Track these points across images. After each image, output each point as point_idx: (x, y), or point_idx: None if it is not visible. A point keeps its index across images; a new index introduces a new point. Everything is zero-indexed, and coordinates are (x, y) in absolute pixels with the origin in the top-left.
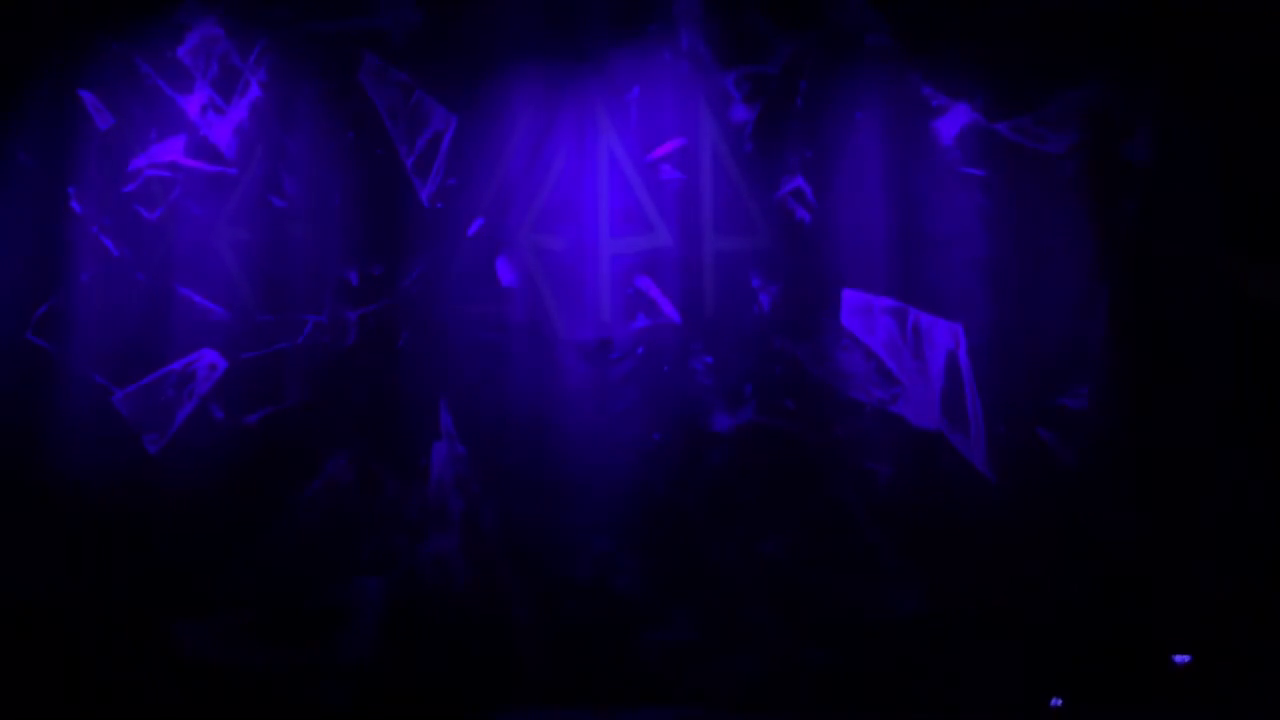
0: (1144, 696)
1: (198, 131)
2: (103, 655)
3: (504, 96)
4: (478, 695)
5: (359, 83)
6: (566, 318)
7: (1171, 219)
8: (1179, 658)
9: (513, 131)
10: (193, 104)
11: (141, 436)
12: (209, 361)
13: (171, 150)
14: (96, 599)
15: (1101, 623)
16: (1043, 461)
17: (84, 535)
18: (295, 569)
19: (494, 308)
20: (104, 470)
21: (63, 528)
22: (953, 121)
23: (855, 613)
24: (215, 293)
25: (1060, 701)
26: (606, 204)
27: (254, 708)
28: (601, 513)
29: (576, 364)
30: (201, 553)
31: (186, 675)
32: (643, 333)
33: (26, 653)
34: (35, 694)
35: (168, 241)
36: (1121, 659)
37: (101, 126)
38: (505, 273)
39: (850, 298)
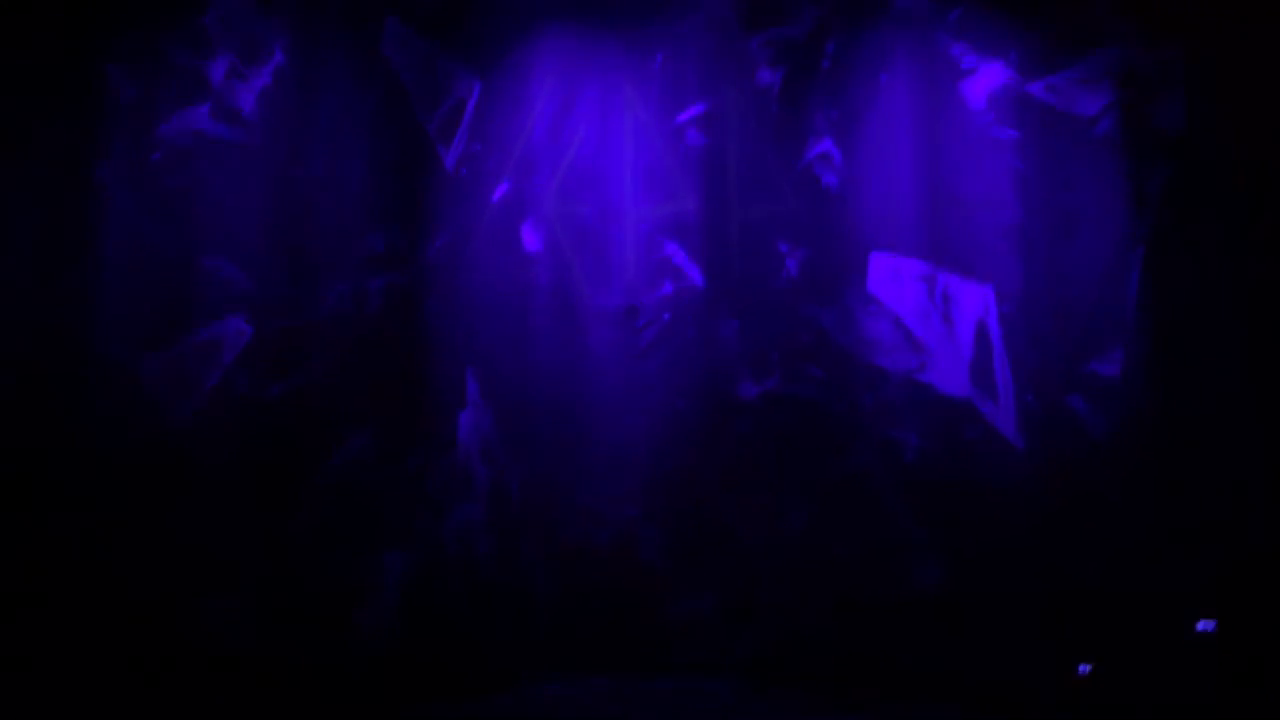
0: (1169, 667)
1: (221, 99)
2: (126, 625)
3: (528, 62)
4: (501, 665)
5: (382, 49)
6: (592, 284)
7: (1204, 181)
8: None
9: (537, 97)
10: (216, 71)
11: (167, 406)
12: (235, 329)
13: (195, 118)
14: (120, 570)
15: (1128, 594)
16: (1073, 430)
17: (109, 506)
18: (319, 540)
19: (519, 274)
20: (129, 441)
21: (88, 499)
22: (983, 82)
23: (879, 583)
24: (239, 261)
25: (1088, 668)
26: (631, 169)
27: (277, 678)
28: (626, 481)
29: (602, 330)
30: (226, 522)
31: (210, 644)
32: (668, 298)
33: (49, 627)
34: (57, 669)
35: (192, 210)
36: (1147, 630)
37: (125, 97)
38: (530, 239)
39: (878, 262)
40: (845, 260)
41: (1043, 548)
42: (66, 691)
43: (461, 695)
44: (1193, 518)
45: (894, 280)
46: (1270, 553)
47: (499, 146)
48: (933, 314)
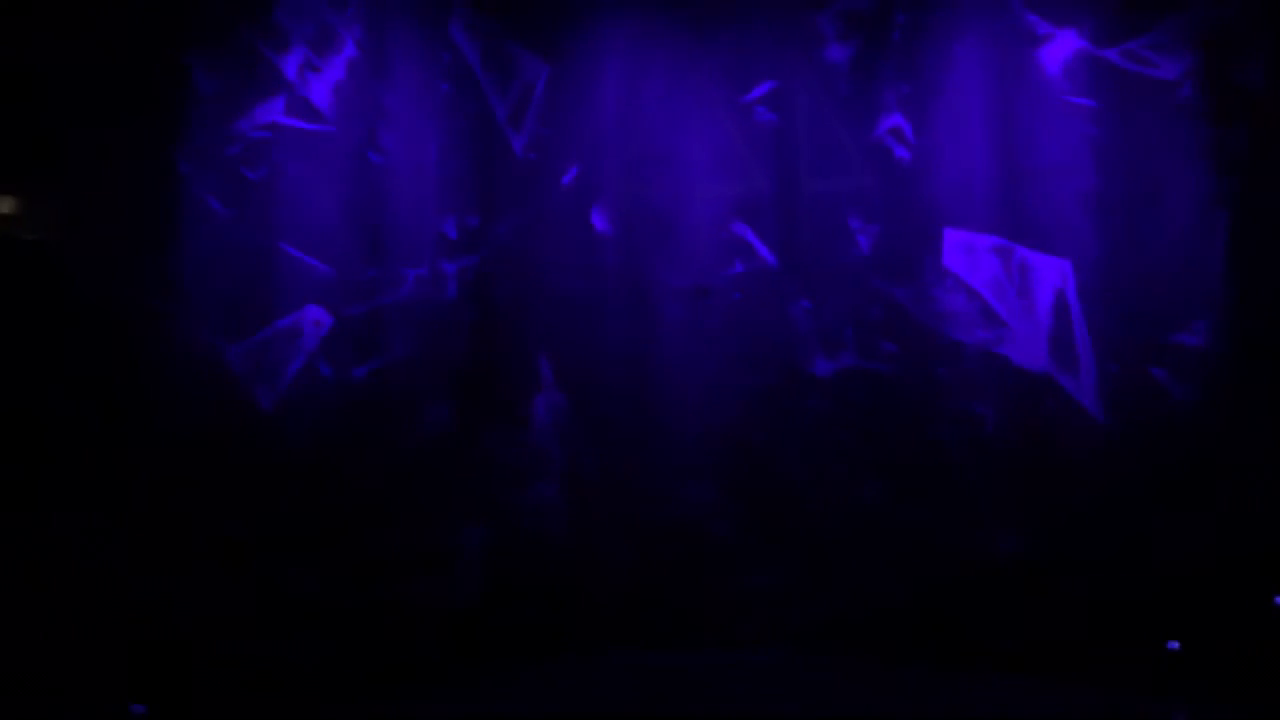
0: (1260, 642)
1: (296, 91)
2: (210, 603)
3: (595, 44)
4: (577, 639)
5: (451, 35)
6: (663, 264)
7: None
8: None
9: (604, 79)
10: (290, 64)
11: (254, 392)
12: (314, 317)
13: (272, 111)
14: (213, 553)
15: (1216, 569)
16: (1157, 402)
17: (199, 493)
18: (402, 516)
19: (590, 256)
20: (217, 427)
21: (177, 486)
22: (1058, 50)
23: (956, 558)
24: (318, 249)
25: (1178, 644)
26: (701, 149)
27: (359, 649)
28: (700, 459)
29: (674, 311)
30: (314, 504)
31: (297, 619)
32: (740, 278)
33: (139, 608)
34: (145, 641)
35: (271, 200)
36: (1237, 605)
37: (205, 90)
38: (600, 221)
39: (952, 237)
40: (919, 235)
41: (1125, 521)
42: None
43: (538, 664)
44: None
45: (969, 254)
46: None
47: (568, 129)
48: (1009, 287)
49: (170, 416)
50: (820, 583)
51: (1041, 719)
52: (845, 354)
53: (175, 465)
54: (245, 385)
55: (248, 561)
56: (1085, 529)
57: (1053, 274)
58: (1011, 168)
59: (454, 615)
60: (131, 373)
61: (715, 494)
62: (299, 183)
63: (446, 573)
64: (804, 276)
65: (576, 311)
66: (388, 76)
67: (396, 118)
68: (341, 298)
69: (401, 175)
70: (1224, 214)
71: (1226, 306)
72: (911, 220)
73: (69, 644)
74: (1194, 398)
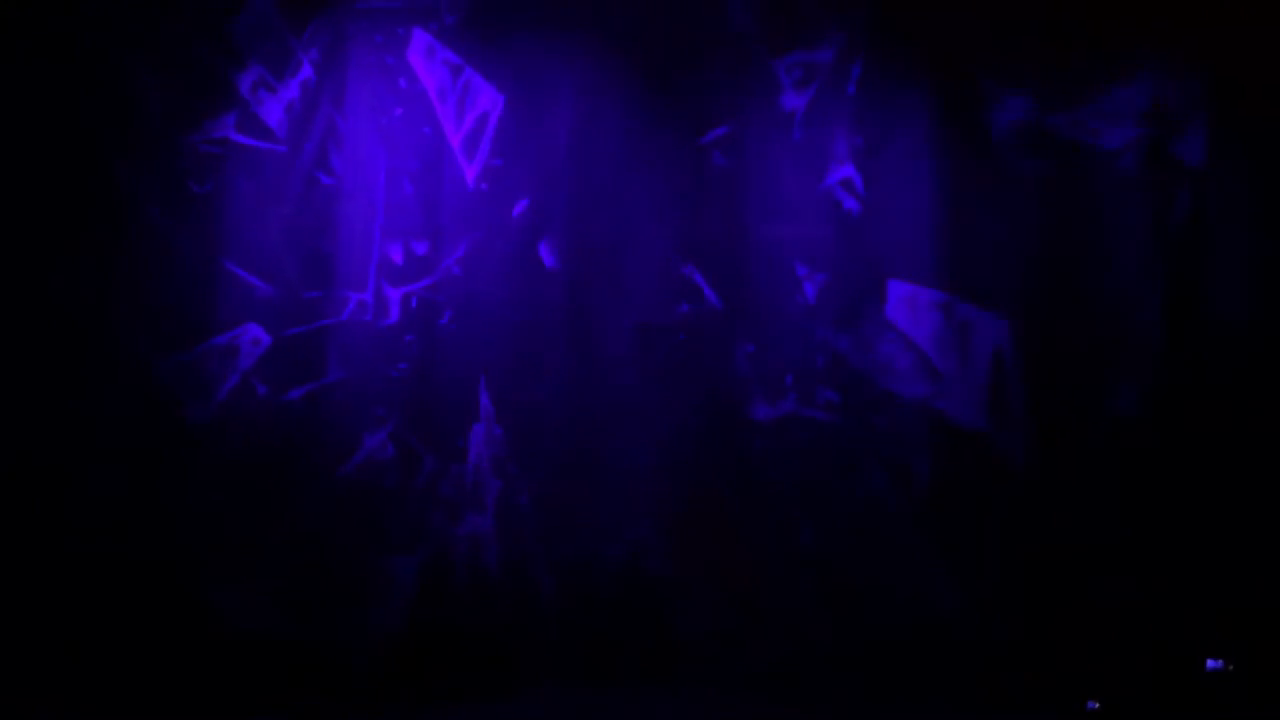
0: (1182, 707)
1: (249, 108)
2: (138, 624)
3: (552, 79)
4: (508, 674)
5: (408, 61)
6: (609, 302)
7: (1226, 217)
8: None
9: (559, 114)
10: (245, 81)
11: (184, 408)
12: (252, 336)
13: (223, 126)
14: (134, 569)
15: (1140, 633)
16: (1088, 465)
17: (124, 506)
18: (331, 543)
19: (536, 290)
20: (145, 442)
21: (102, 498)
22: (1006, 114)
23: (889, 607)
24: (260, 268)
25: (1095, 705)
26: (652, 189)
27: (285, 677)
28: (638, 498)
29: (617, 348)
30: (240, 525)
31: (220, 645)
32: (685, 318)
33: (61, 621)
34: (69, 662)
35: (216, 215)
36: (1157, 669)
37: (152, 100)
38: (548, 255)
39: (896, 289)
40: (863, 286)
41: (1057, 578)
42: (84, 680)
43: (468, 701)
44: (1208, 560)
45: (911, 308)
46: None
47: (520, 162)
48: (949, 343)
49: (97, 428)
50: (756, 626)
51: None
52: (786, 400)
53: (100, 479)
54: (176, 400)
55: (171, 583)
56: (1016, 585)
57: (992, 332)
58: (957, 225)
59: (384, 647)
60: (60, 382)
61: (652, 533)
62: (246, 199)
63: (376, 603)
64: (749, 321)
65: (520, 344)
66: (342, 99)
67: (349, 140)
68: (282, 317)
69: (350, 199)
70: (1160, 284)
71: (1159, 374)
72: (857, 271)
73: None
74: (1126, 462)
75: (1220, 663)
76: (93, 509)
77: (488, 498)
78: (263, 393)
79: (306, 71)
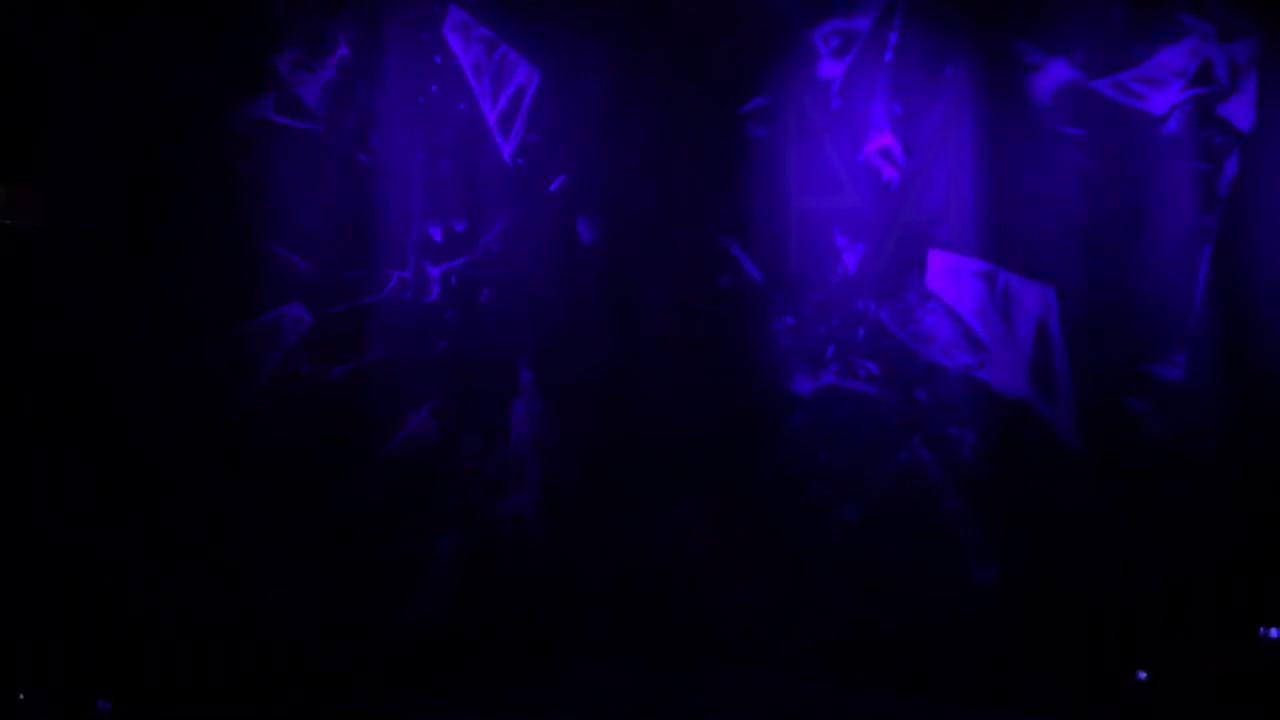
0: (1225, 674)
1: (287, 89)
2: (184, 601)
3: (588, 52)
4: (549, 652)
5: (444, 38)
6: (647, 277)
7: (1273, 180)
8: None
9: (596, 88)
10: (283, 62)
11: (229, 388)
12: (295, 316)
13: (262, 107)
14: (181, 547)
15: (1185, 600)
16: (1133, 433)
17: (172, 485)
18: (376, 521)
19: (574, 266)
20: (193, 421)
21: (152, 477)
22: (1049, 78)
23: (931, 581)
24: (302, 247)
25: (1145, 675)
26: (690, 162)
27: (329, 656)
28: (679, 475)
29: (657, 324)
30: (285, 503)
31: (266, 623)
32: (724, 292)
33: (107, 598)
34: (114, 639)
35: (257, 196)
36: (1202, 638)
37: (192, 83)
38: (586, 231)
39: (937, 259)
40: (904, 256)
41: (1101, 549)
42: (128, 659)
43: (511, 680)
44: (1253, 524)
45: (953, 277)
46: None
47: (557, 137)
48: (992, 312)
49: (145, 410)
50: (798, 605)
51: None
52: (827, 373)
53: (148, 461)
54: (222, 381)
55: (216, 563)
56: (1059, 557)
57: (1036, 301)
58: (999, 193)
59: (427, 627)
60: (108, 365)
61: (693, 510)
62: (285, 180)
63: (420, 582)
64: (789, 293)
65: (559, 321)
66: (379, 78)
67: (386, 119)
68: (323, 296)
69: (389, 177)
70: (1206, 248)
71: (1204, 340)
72: (898, 241)
73: (36, 638)
74: (1170, 429)
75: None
76: (141, 490)
77: (530, 476)
78: (306, 371)
79: (343, 51)
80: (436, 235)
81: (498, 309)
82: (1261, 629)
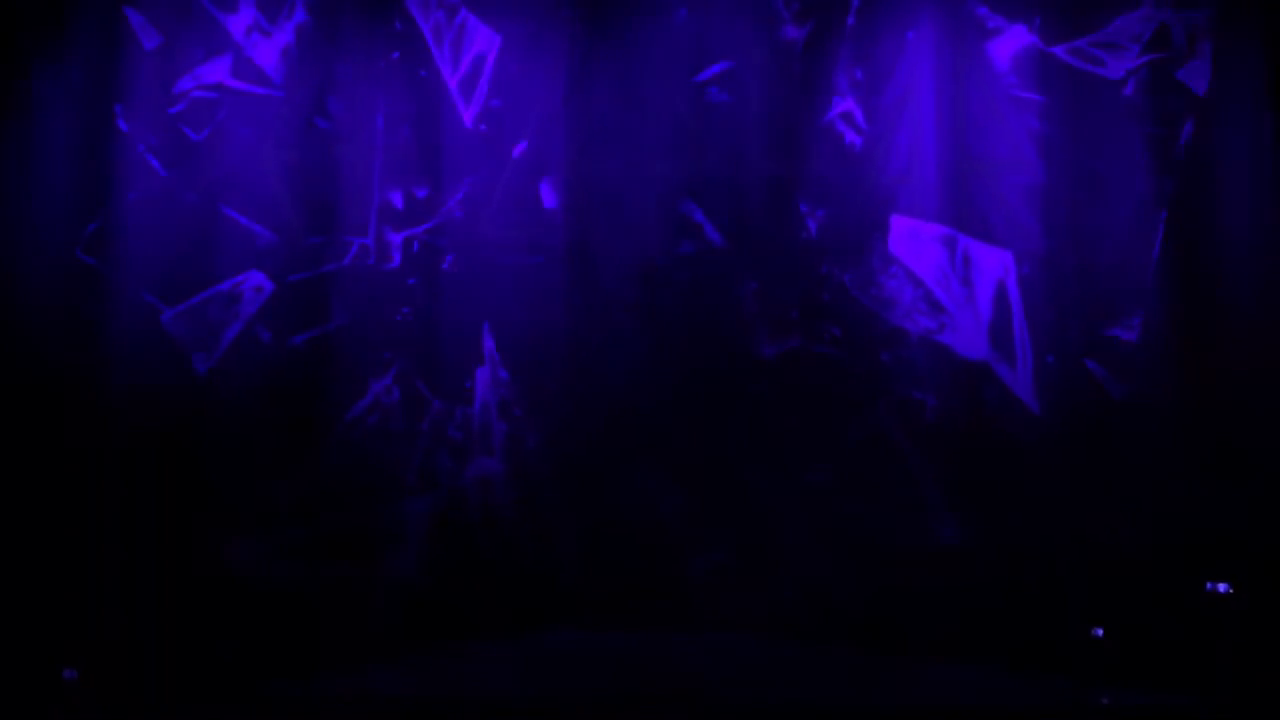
0: (1182, 632)
1: (243, 53)
2: (151, 571)
3: (549, 18)
4: (520, 616)
5: (403, 3)
6: (611, 242)
7: (1228, 145)
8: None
9: (557, 53)
10: (238, 25)
11: (190, 356)
12: (255, 283)
13: (218, 71)
14: (146, 516)
15: (1144, 558)
16: (1091, 394)
17: (133, 453)
18: (342, 488)
19: (538, 231)
20: (153, 389)
21: (112, 445)
22: (1008, 44)
23: (895, 542)
24: (261, 214)
25: (1102, 632)
26: (652, 127)
27: (300, 623)
28: (644, 438)
29: (620, 289)
30: (249, 471)
31: (234, 591)
32: (688, 258)
33: (76, 569)
34: (84, 610)
35: (214, 162)
36: (1161, 595)
37: (147, 45)
38: (549, 196)
39: (899, 224)
40: (866, 220)
41: (1060, 508)
42: (97, 633)
43: (481, 641)
44: (1209, 483)
45: (914, 241)
46: None
47: (519, 103)
48: (952, 276)
49: (104, 378)
50: (764, 566)
51: (976, 704)
52: (791, 337)
53: (107, 428)
54: (182, 349)
55: (183, 532)
56: (1020, 517)
57: (995, 264)
58: (959, 158)
59: (399, 591)
60: (65, 332)
61: (659, 474)
62: (243, 146)
63: (389, 547)
64: (752, 258)
65: (523, 286)
66: (338, 43)
67: (345, 85)
68: (284, 264)
69: (348, 143)
70: (1162, 212)
71: (1161, 302)
72: (860, 205)
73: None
74: (1128, 390)
75: (1225, 585)
76: (104, 460)
77: (495, 440)
78: (267, 339)
79: (301, 15)
80: (398, 202)
81: (461, 275)
82: (1208, 584)
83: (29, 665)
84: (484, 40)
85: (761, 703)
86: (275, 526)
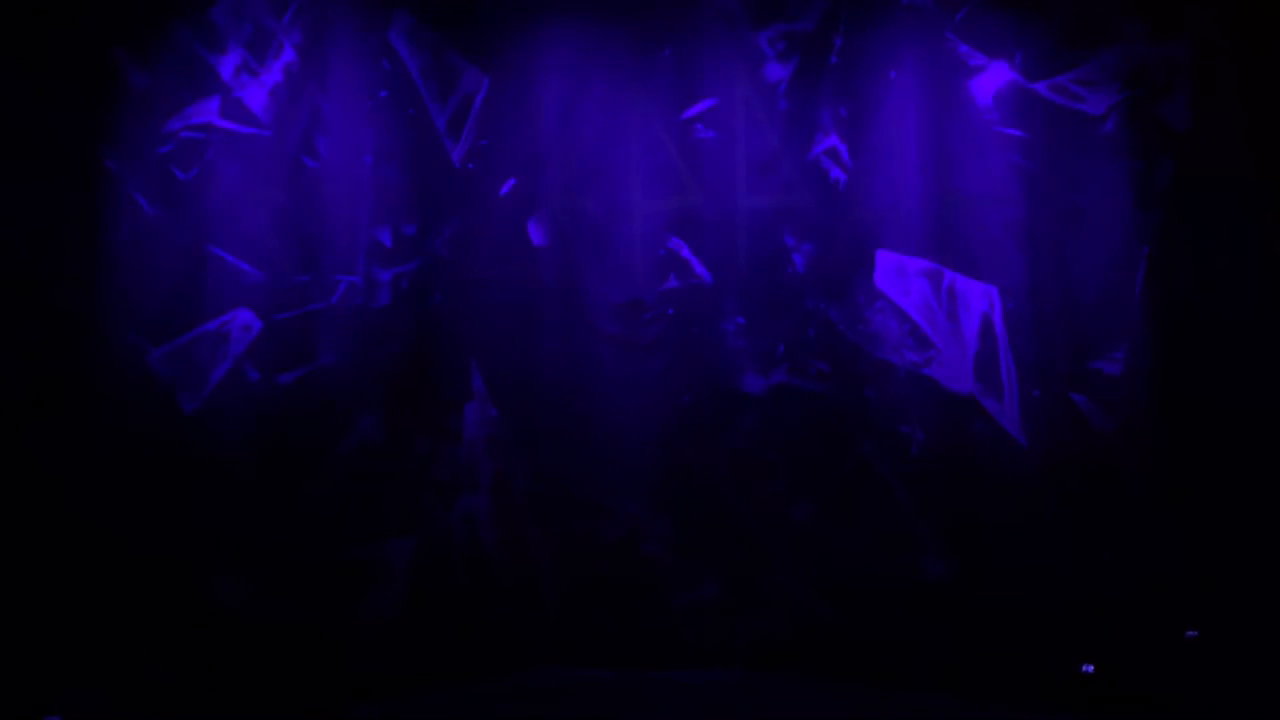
0: (1172, 664)
1: (231, 93)
2: (137, 609)
3: (535, 57)
4: (505, 654)
5: (391, 43)
6: (598, 279)
7: (1209, 179)
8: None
9: (545, 92)
10: (226, 66)
11: (177, 396)
12: (243, 322)
13: (205, 112)
14: (131, 555)
15: (1131, 591)
16: (1076, 426)
17: (119, 493)
18: (327, 526)
19: (526, 269)
20: (139, 429)
21: (97, 485)
22: (990, 81)
23: (883, 577)
24: (249, 253)
25: (1092, 668)
26: (639, 164)
27: (284, 662)
28: (632, 474)
29: (608, 325)
30: (235, 510)
31: (219, 629)
32: (674, 293)
33: (62, 606)
34: (70, 646)
35: (202, 202)
36: (1150, 628)
37: (135, 86)
38: (537, 234)
39: (884, 259)
40: (852, 256)
41: (1046, 542)
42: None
43: (465, 681)
44: (1195, 517)
45: (900, 276)
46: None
47: (506, 141)
48: (938, 310)
49: (90, 418)
50: (751, 602)
51: None
52: (777, 372)
53: (94, 469)
54: (168, 388)
55: (169, 570)
56: (1006, 550)
57: (980, 299)
58: (943, 193)
59: (381, 629)
60: (52, 373)
61: (646, 510)
62: (231, 185)
63: (373, 585)
64: (738, 293)
65: (511, 323)
66: (326, 82)
67: (333, 124)
68: (272, 302)
69: (337, 182)
70: (1145, 246)
71: (1144, 336)
72: (845, 241)
73: None
74: (1112, 424)
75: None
76: (91, 500)
77: (483, 478)
78: (255, 378)
79: (289, 55)
80: (386, 240)
81: (449, 312)
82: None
83: (14, 707)
84: (471, 80)
85: None
86: (261, 564)
